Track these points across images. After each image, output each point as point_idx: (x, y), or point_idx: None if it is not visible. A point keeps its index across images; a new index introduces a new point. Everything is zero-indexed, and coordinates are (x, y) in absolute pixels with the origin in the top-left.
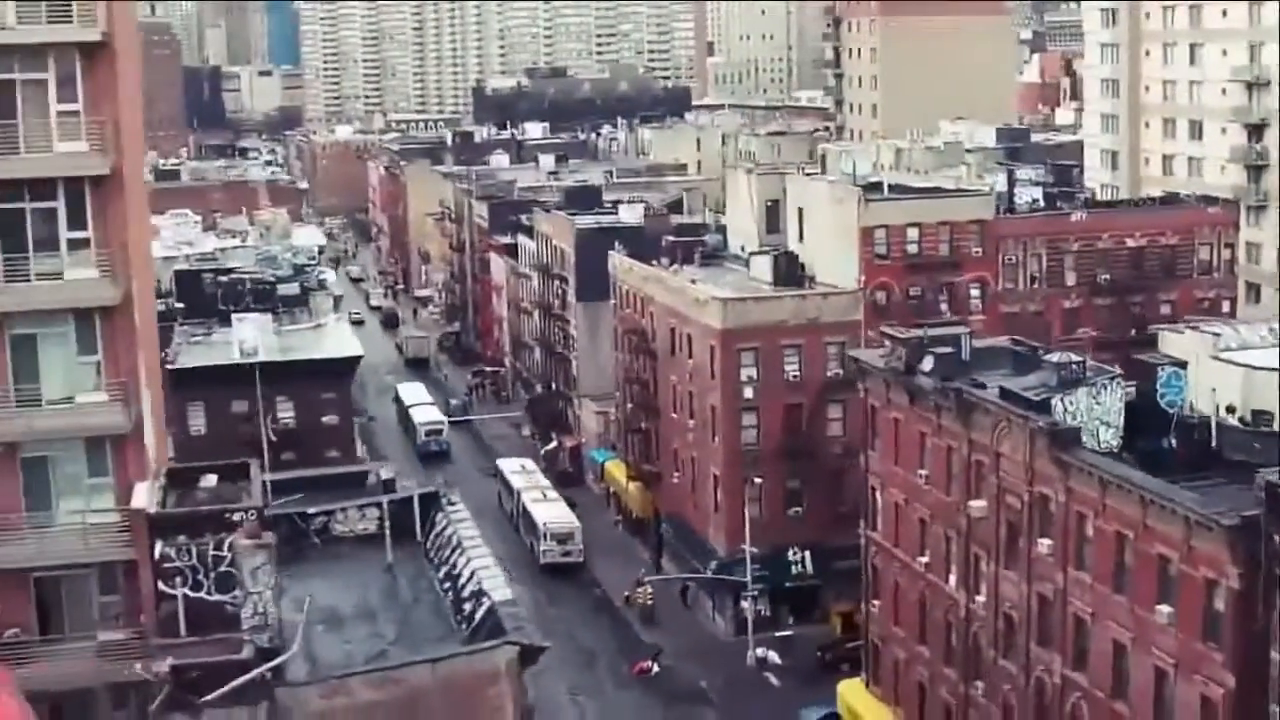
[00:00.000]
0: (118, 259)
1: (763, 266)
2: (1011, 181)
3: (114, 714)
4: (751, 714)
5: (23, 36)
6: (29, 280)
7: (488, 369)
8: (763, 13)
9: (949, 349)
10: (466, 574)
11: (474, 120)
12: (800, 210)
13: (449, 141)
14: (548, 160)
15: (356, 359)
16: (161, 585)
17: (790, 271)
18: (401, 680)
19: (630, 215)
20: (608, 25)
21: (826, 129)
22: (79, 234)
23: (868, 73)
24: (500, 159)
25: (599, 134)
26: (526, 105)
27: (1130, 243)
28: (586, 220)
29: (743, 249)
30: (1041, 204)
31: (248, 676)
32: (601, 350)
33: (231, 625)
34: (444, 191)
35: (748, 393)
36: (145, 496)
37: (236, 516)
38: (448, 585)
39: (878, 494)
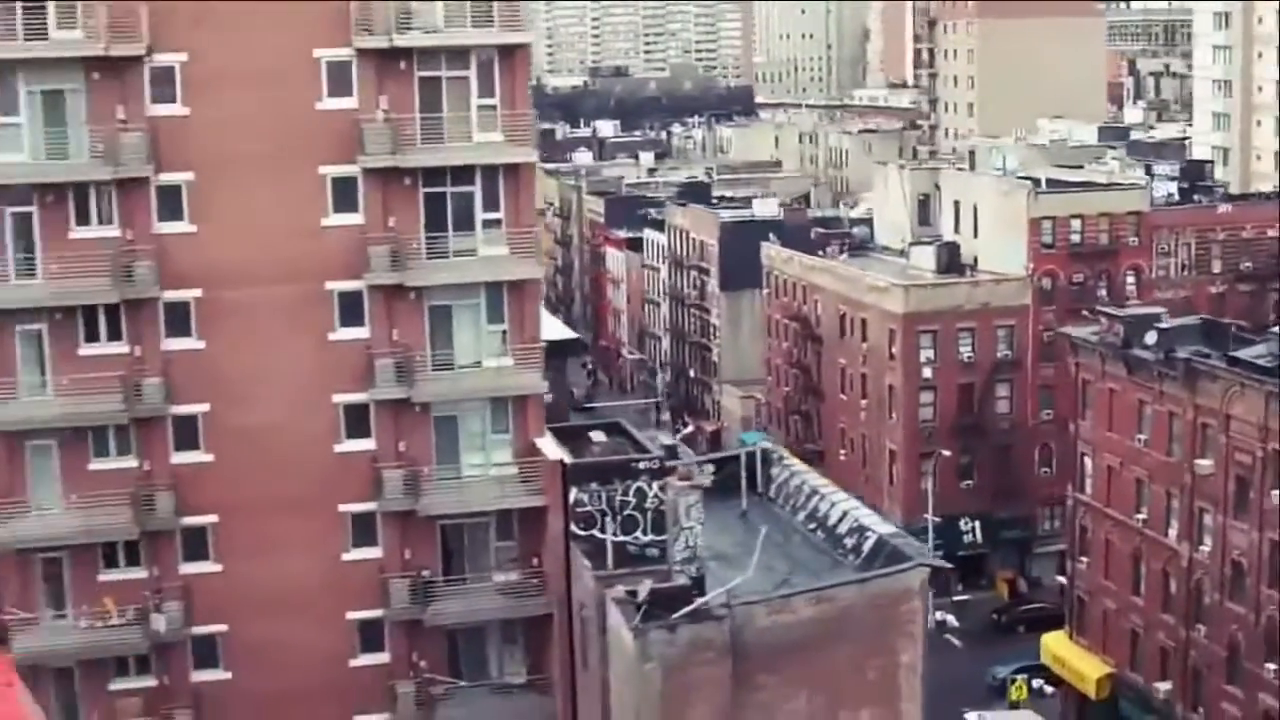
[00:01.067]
0: (525, 238)
1: (925, 256)
2: (1150, 176)
3: (503, 647)
4: (944, 672)
5: (452, 39)
6: (447, 256)
7: (592, 361)
8: (802, 12)
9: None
10: (836, 515)
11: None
12: (957, 203)
13: None
14: (647, 157)
15: (576, 342)
16: (573, 527)
17: (952, 260)
18: (833, 598)
19: (765, 209)
20: (656, 24)
21: (917, 126)
22: (492, 215)
23: (964, 72)
24: (583, 156)
25: (669, 132)
26: (592, 104)
27: (1271, 233)
28: (727, 214)
29: (903, 240)
30: (1177, 197)
31: (717, 593)
32: (743, 338)
33: (634, 562)
34: (547, 188)
35: (926, 373)
36: (556, 449)
37: (643, 465)
38: (813, 525)
39: (1088, 459)
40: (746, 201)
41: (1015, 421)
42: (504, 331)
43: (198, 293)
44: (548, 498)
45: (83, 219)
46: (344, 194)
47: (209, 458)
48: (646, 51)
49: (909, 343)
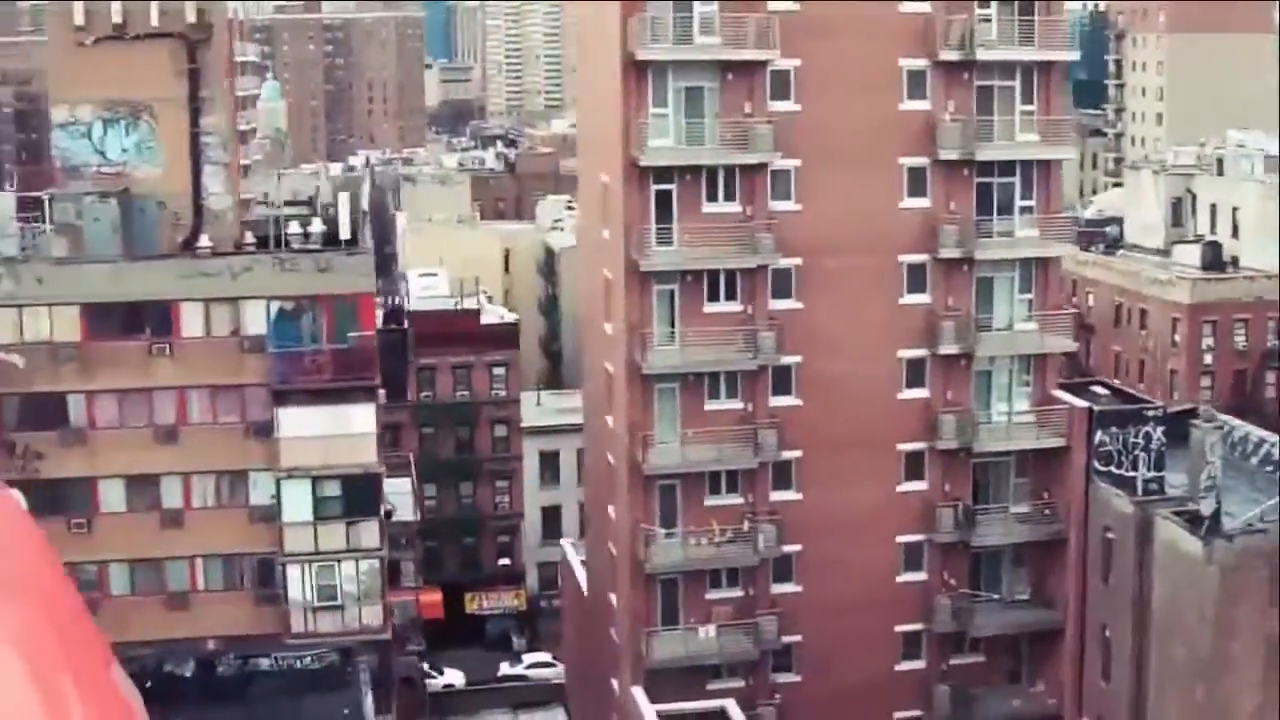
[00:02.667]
0: (1053, 222)
1: (1190, 254)
2: None
3: (1013, 568)
4: None
5: (1006, 55)
6: (991, 236)
7: None
8: None
9: None
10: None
11: None
12: (1214, 205)
13: None
14: None
15: None
16: (1096, 464)
17: (1215, 258)
18: None
19: None
20: None
21: (1101, 134)
22: (1027, 203)
23: (1152, 84)
24: None
25: None
26: None
27: None
28: None
29: (1160, 240)
30: None
31: (1262, 508)
32: None
33: (1147, 493)
34: None
35: (1206, 359)
36: (1074, 399)
37: (1150, 413)
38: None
39: None
40: None
41: None
42: (1030, 300)
43: (798, 261)
44: (1069, 439)
45: (712, 196)
46: (916, 181)
47: (798, 401)
48: None
49: (1193, 331)
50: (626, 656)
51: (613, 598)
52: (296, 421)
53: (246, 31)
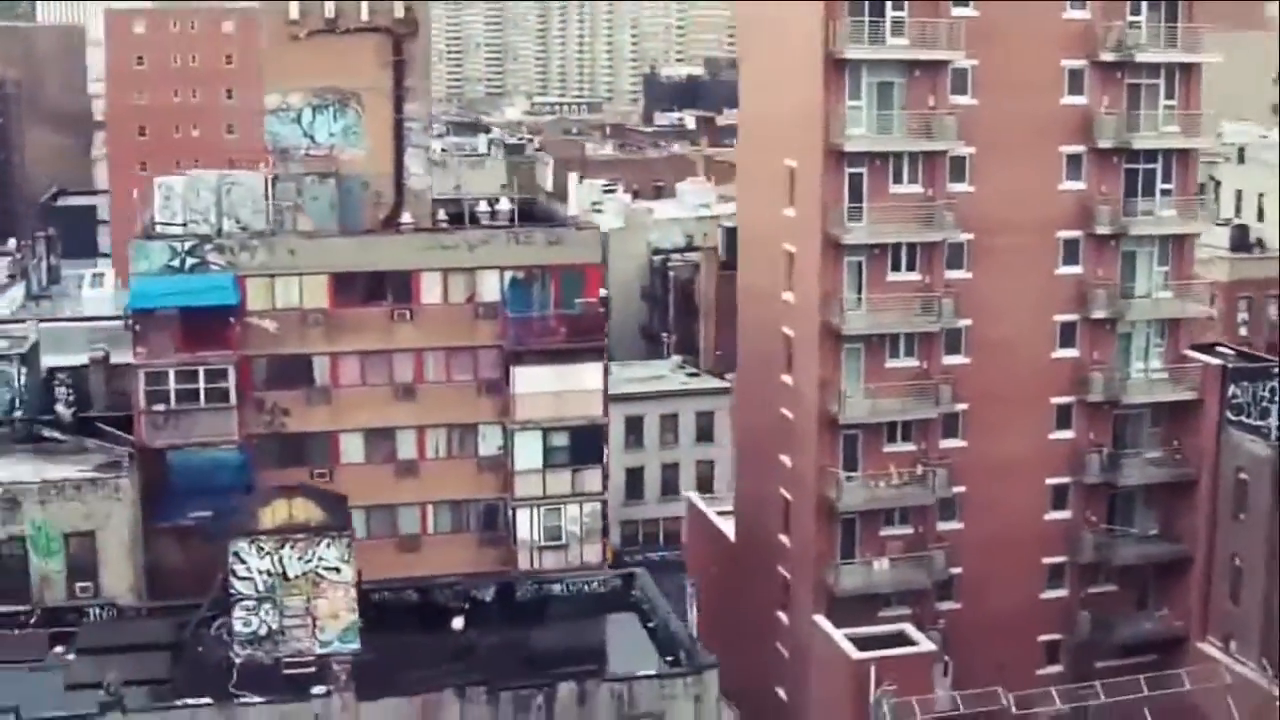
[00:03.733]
0: (1188, 203)
1: (1219, 236)
2: None
3: (1143, 508)
4: None
5: (1152, 57)
6: (1135, 215)
7: None
8: None
9: None
10: None
11: (645, 106)
12: (1239, 191)
13: (691, 124)
14: None
15: None
16: (1227, 415)
17: (1243, 240)
18: None
19: None
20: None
21: None
22: (1166, 186)
23: None
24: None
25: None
26: (720, 93)
27: None
28: None
29: None
30: None
31: None
32: None
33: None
34: None
35: (1241, 330)
36: (1206, 357)
37: (1276, 370)
38: None
39: None
40: None
41: None
42: (1166, 271)
43: (970, 236)
44: (1202, 392)
45: (898, 179)
46: (1073, 167)
47: (967, 360)
48: (729, 43)
49: (1230, 306)
50: (805, 589)
51: (784, 539)
52: (530, 379)
53: None
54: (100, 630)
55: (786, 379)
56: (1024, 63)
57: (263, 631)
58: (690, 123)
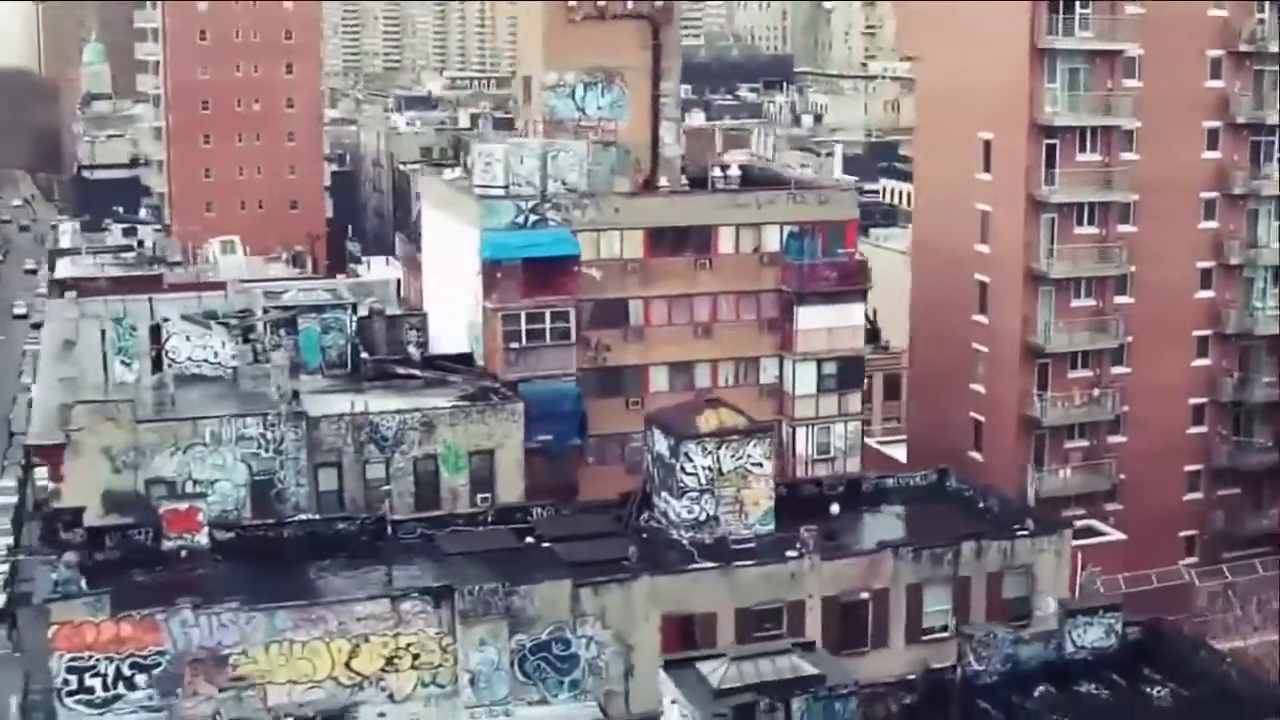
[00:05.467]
0: None
1: None
2: None
3: (1263, 425)
4: None
5: (1276, 48)
6: (1259, 179)
7: None
8: None
9: None
10: None
11: None
12: None
13: None
14: (807, 120)
15: None
16: None
17: None
18: None
19: None
20: None
21: None
22: None
23: None
24: (697, 117)
25: (738, 98)
26: None
27: None
28: None
29: None
30: None
31: None
32: None
33: None
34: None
35: None
36: None
37: None
38: None
39: None
40: None
41: None
42: None
43: (1136, 197)
44: None
45: (1082, 149)
46: (1212, 139)
47: (1132, 300)
48: None
49: None
50: None
51: (975, 454)
52: (808, 317)
53: None
54: (552, 524)
55: (980, 319)
56: (1177, 52)
57: (703, 517)
58: None
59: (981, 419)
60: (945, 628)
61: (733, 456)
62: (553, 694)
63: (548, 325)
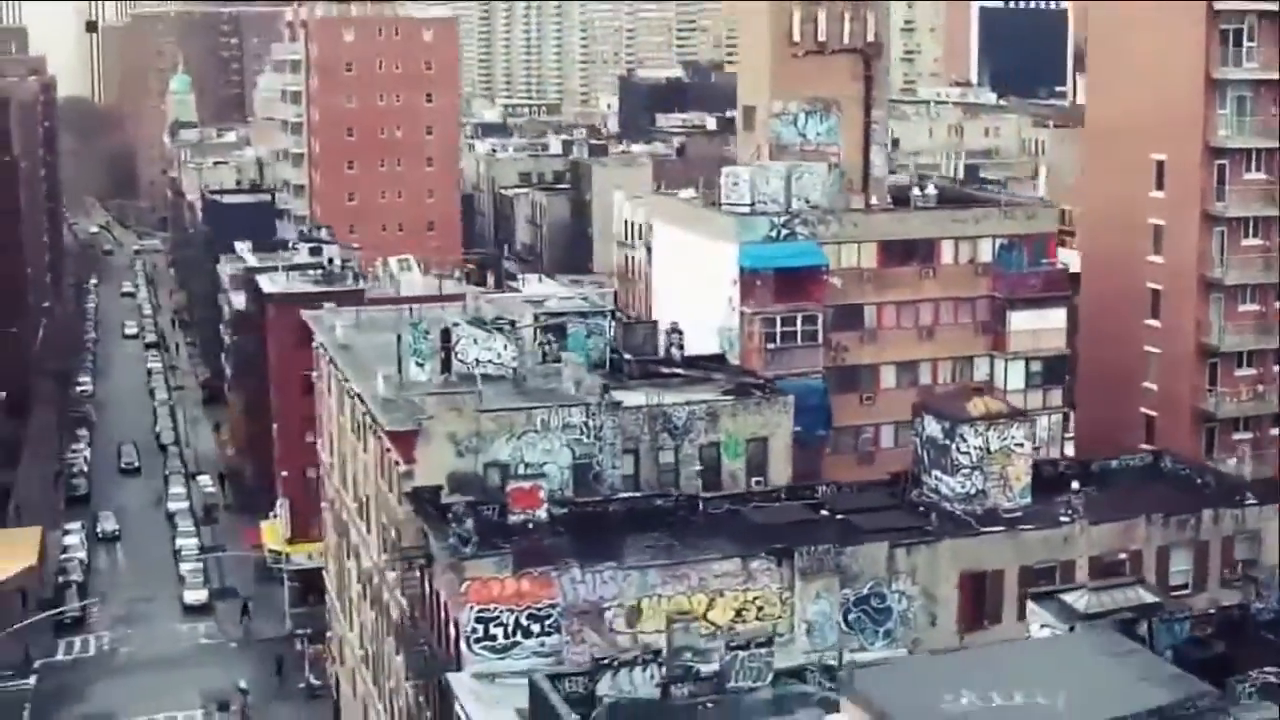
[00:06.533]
0: None
1: None
2: None
3: None
4: None
5: None
6: None
7: None
8: None
9: None
10: None
11: (622, 109)
12: None
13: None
14: None
15: None
16: None
17: None
18: None
19: None
20: (688, 20)
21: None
22: None
23: None
24: None
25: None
26: (693, 95)
27: None
28: None
29: None
30: None
31: None
32: None
33: None
34: None
35: None
36: None
37: None
38: None
39: None
40: None
41: None
42: None
43: None
44: None
45: (1248, 169)
46: None
47: None
48: (678, 45)
49: None
50: None
51: (1145, 446)
52: (1019, 321)
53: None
54: (837, 500)
55: (1153, 322)
56: None
57: (973, 491)
58: (711, 123)
59: (1154, 414)
60: (1186, 585)
61: (999, 437)
62: (869, 642)
63: (799, 328)
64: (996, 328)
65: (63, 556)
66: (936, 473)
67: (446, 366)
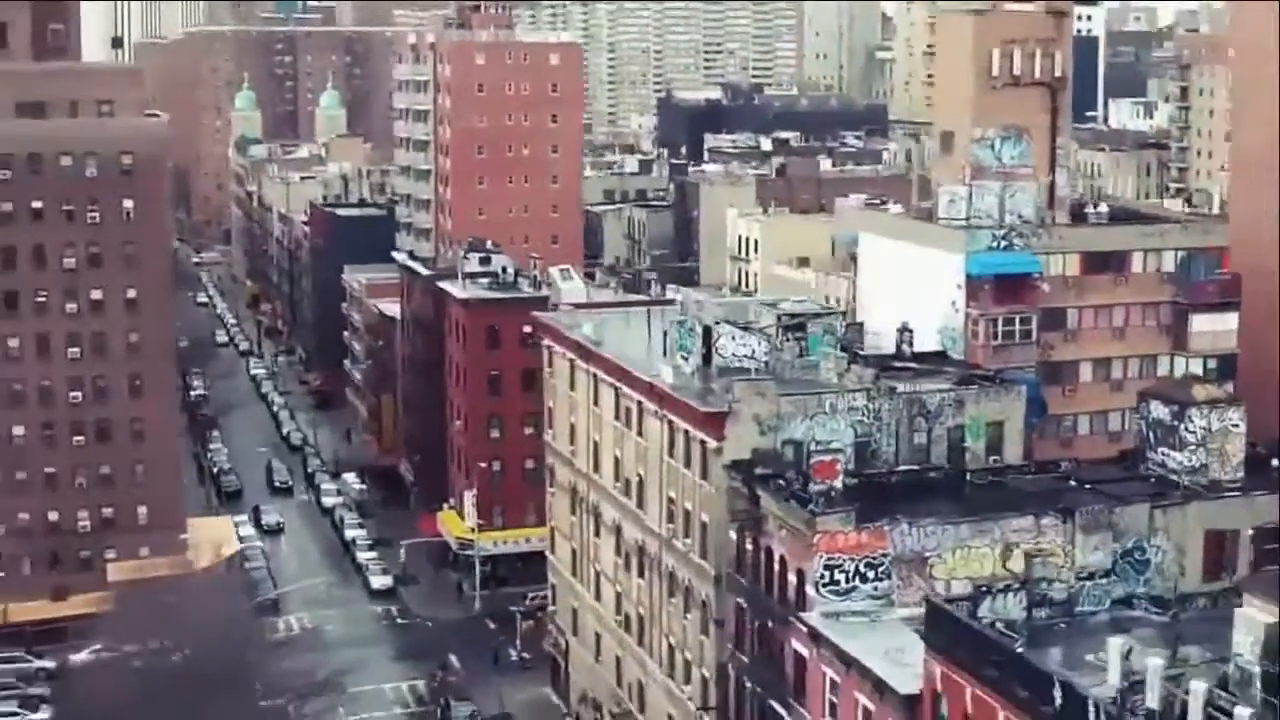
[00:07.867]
0: None
1: None
2: None
3: None
4: None
5: None
6: None
7: None
8: (816, 34)
9: None
10: None
11: (660, 129)
12: None
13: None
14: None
15: None
16: None
17: None
18: None
19: None
20: (714, 42)
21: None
22: None
23: (1220, 107)
24: (824, 163)
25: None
26: (734, 118)
27: None
28: None
29: None
30: None
31: None
32: None
33: None
34: None
35: None
36: None
37: None
38: None
39: None
40: None
41: None
42: None
43: None
44: None
45: None
46: None
47: None
48: (706, 68)
49: None
50: None
51: None
52: (1199, 323)
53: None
54: (1078, 473)
55: None
56: None
57: (1197, 465)
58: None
59: None
60: None
61: (1219, 419)
62: (1133, 589)
63: (1017, 328)
64: (1178, 329)
65: (243, 546)
66: (1164, 449)
67: (707, 360)
